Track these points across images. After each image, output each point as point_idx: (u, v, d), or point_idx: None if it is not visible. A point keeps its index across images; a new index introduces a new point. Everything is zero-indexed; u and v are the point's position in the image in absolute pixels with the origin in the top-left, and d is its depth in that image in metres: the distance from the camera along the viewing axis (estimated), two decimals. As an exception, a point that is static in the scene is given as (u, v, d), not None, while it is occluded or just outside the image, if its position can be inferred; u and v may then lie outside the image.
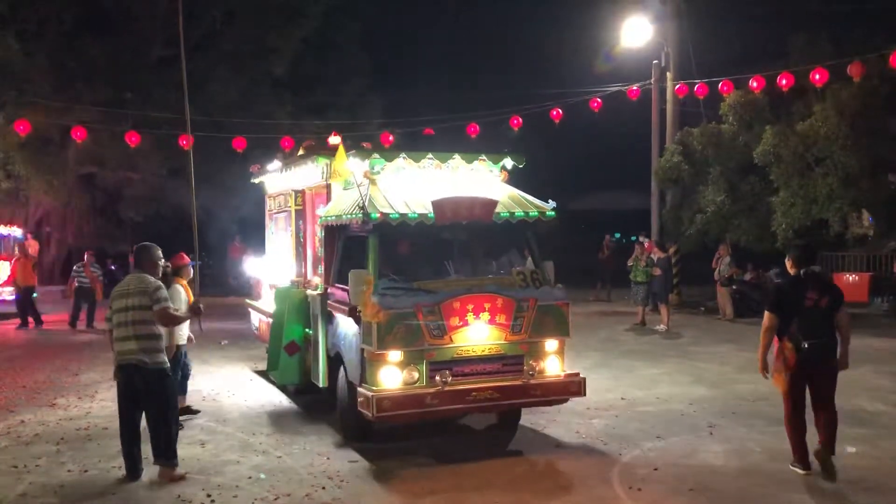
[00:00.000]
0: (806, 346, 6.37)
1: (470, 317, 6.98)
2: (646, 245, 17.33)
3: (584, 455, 7.23)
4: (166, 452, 6.57)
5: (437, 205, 7.19)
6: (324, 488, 6.35)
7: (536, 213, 7.66)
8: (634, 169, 25.95)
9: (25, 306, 16.75)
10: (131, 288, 6.56)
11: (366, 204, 7.09)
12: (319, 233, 8.65)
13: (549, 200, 7.86)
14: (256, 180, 11.67)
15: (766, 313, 6.61)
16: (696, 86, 18.11)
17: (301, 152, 9.92)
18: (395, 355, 6.83)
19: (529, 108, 20.20)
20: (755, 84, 17.01)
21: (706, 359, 12.38)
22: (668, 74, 20.49)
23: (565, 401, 7.57)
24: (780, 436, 7.73)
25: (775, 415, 8.59)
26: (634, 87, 19.80)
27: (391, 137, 22.30)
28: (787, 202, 17.36)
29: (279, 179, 10.55)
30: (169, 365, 6.73)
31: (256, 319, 11.33)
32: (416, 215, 7.16)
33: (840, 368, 6.58)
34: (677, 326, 15.81)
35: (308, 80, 26.86)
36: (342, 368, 7.73)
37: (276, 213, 10.76)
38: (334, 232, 8.26)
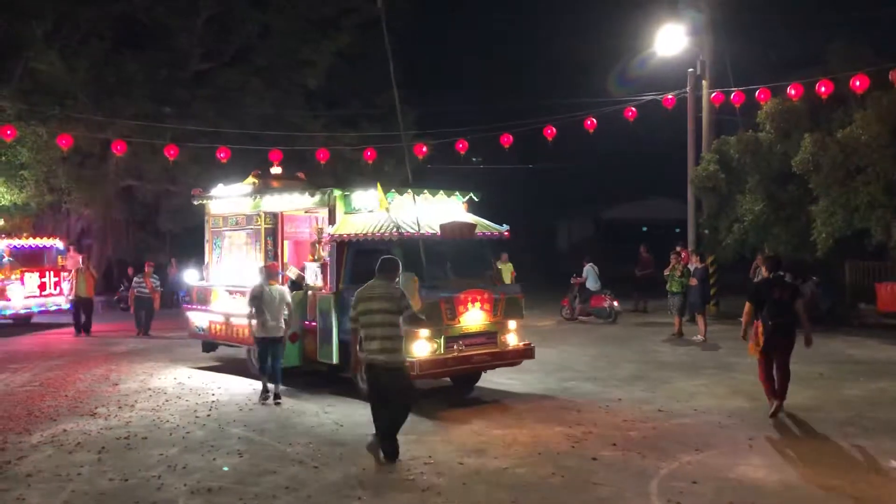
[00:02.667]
0: (771, 323, 8.95)
1: (470, 305, 9.94)
2: (682, 255, 17.15)
3: (622, 468, 7.15)
4: (393, 444, 7.34)
5: (443, 227, 10.04)
6: (360, 498, 6.37)
7: (497, 234, 10.88)
8: (670, 178, 25.74)
9: (80, 315, 17.36)
10: (376, 293, 7.35)
11: (399, 226, 9.73)
12: (326, 247, 10.82)
13: (504, 224, 11.01)
14: (197, 202, 13.37)
15: (747, 302, 9.31)
16: (733, 94, 17.91)
17: (252, 180, 12.59)
18: (424, 332, 9.46)
19: (564, 118, 20.14)
20: (793, 92, 16.77)
21: (744, 370, 12.16)
22: (704, 82, 20.30)
23: (521, 362, 10.68)
24: (821, 450, 7.62)
25: (817, 428, 8.47)
26: (670, 96, 19.65)
27: (424, 149, 22.41)
28: (827, 211, 17.05)
29: (241, 203, 12.33)
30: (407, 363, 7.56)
31: (206, 321, 12.67)
32: (431, 234, 9.89)
33: (806, 345, 8.99)
34: (715, 337, 15.60)
35: (341, 93, 27.09)
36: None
37: (228, 231, 12.63)
38: (342, 246, 10.58)
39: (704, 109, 20.41)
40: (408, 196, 10.44)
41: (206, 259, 13.16)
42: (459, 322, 9.81)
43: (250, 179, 12.70)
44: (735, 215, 18.91)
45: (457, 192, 11.37)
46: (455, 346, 9.73)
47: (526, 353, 10.50)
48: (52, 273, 19.36)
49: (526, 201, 43.76)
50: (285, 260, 11.99)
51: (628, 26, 26.15)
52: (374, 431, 7.47)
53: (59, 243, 20.41)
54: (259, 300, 9.92)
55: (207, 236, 13.17)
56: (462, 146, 20.11)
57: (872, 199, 16.42)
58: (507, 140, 19.77)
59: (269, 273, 10.21)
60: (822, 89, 15.89)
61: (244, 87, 24.61)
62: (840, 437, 8.17)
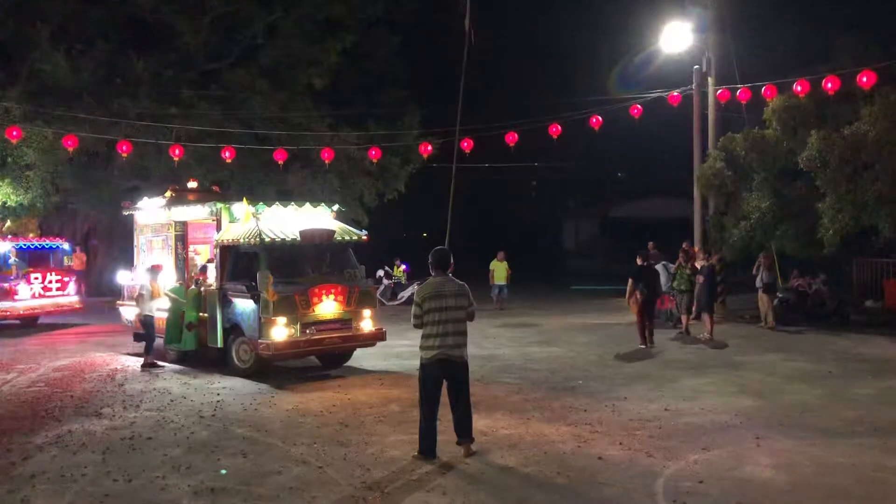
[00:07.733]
0: (646, 292, 14.11)
1: (323, 297, 11.71)
2: (691, 252, 17.04)
3: (628, 467, 7.11)
4: (470, 433, 7.51)
5: (301, 233, 11.85)
6: (365, 499, 6.34)
7: (356, 238, 12.60)
8: (675, 175, 25.63)
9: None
10: (446, 290, 7.34)
11: (261, 232, 11.54)
12: (216, 249, 12.57)
13: (363, 230, 13.08)
14: (126, 213, 15.37)
15: (630, 279, 14.32)
16: (739, 91, 17.79)
17: (169, 193, 14.46)
18: (282, 320, 11.30)
19: (569, 116, 20.05)
20: (799, 88, 16.65)
21: (751, 368, 12.13)
22: (710, 79, 20.17)
23: (374, 344, 12.53)
24: (830, 448, 7.56)
25: (825, 426, 8.43)
26: (675, 93, 19.54)
27: (429, 148, 22.36)
28: (834, 208, 16.91)
29: (158, 213, 14.24)
30: None
31: (132, 315, 14.38)
32: (290, 239, 11.71)
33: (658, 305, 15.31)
34: (721, 335, 15.52)
35: (347, 92, 27.04)
36: (240, 333, 11.88)
37: (150, 237, 14.52)
38: (227, 249, 12.33)
39: (710, 106, 20.27)
40: (279, 208, 12.49)
41: (135, 262, 15.03)
42: (314, 311, 11.59)
43: (168, 193, 14.56)
44: (741, 213, 18.81)
45: (322, 204, 13.22)
46: (307, 331, 11.48)
47: (377, 335, 12.33)
48: (62, 274, 19.40)
49: (529, 200, 43.75)
50: (194, 261, 13.90)
51: (634, 23, 26.03)
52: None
53: (65, 244, 20.42)
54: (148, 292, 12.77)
55: (136, 242, 14.97)
56: (467, 145, 20.04)
57: (880, 195, 16.29)
58: (511, 139, 19.70)
59: (157, 271, 12.99)
60: (829, 85, 15.77)
61: (250, 86, 24.59)
62: (848, 436, 8.11)
